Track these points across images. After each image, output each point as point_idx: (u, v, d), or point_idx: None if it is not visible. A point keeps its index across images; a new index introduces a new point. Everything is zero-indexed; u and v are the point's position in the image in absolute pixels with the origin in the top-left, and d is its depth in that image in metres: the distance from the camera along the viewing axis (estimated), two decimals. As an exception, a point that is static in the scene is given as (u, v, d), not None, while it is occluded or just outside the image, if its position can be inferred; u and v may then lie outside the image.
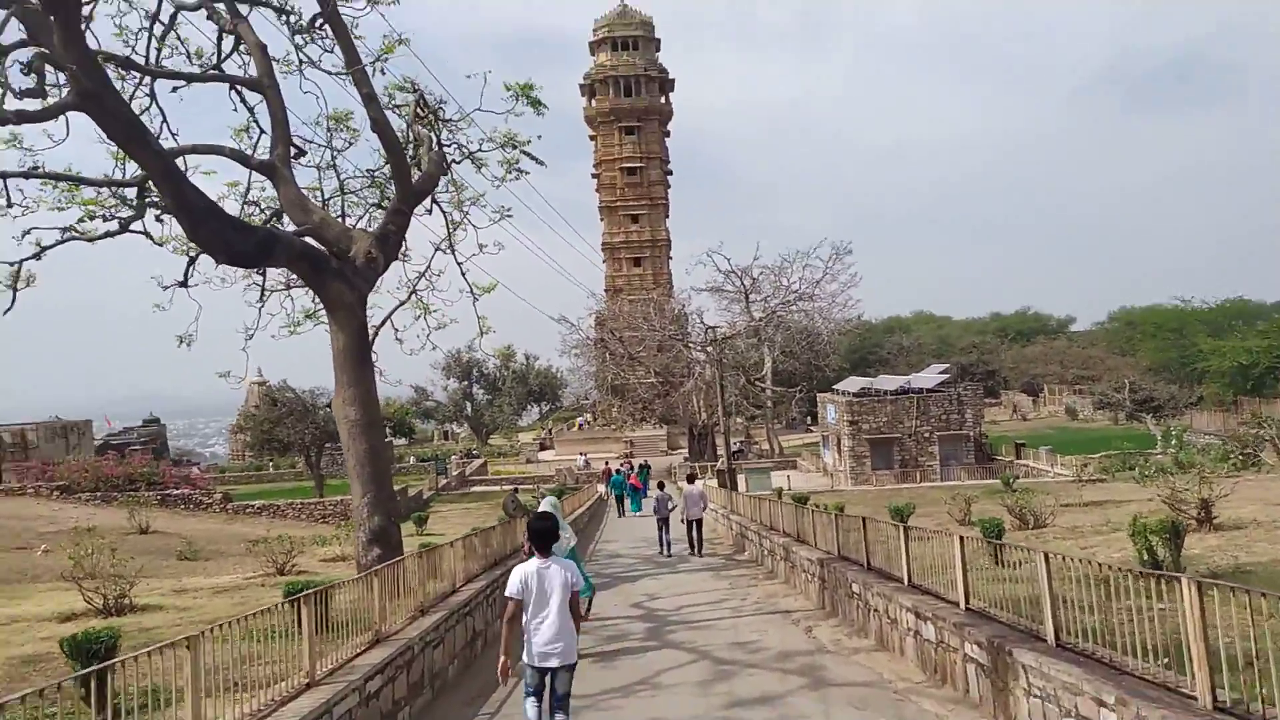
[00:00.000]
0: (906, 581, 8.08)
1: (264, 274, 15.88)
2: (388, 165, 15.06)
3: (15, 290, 14.32)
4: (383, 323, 33.62)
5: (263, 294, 16.07)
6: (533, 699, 5.55)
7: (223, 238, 10.64)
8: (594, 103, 77.53)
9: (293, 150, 13.91)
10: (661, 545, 18.42)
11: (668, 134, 79.87)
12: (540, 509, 8.90)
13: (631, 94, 76.41)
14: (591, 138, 79.59)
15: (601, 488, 38.61)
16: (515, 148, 16.87)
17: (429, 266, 28.78)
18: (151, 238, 15.11)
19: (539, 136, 16.95)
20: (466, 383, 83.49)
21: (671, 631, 10.11)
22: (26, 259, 14.15)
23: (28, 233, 14.45)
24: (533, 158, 17.36)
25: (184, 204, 10.26)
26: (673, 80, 78.88)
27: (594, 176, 79.51)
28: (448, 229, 19.27)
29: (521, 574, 5.58)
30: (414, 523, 25.29)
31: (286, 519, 27.65)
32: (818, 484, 35.46)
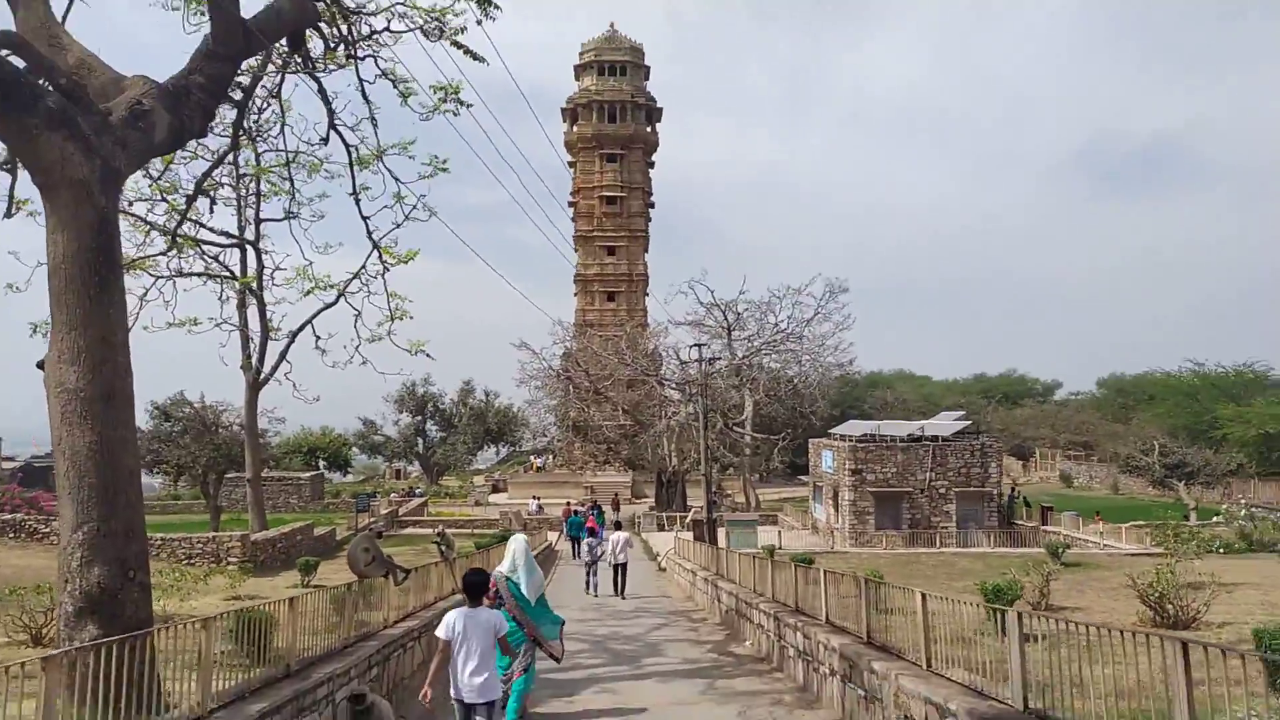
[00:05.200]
0: None
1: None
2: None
3: None
4: (302, 327, 28.15)
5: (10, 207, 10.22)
6: None
7: None
8: (575, 128, 72.94)
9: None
10: (588, 586, 20.29)
11: (651, 164, 75.31)
12: (510, 548, 8.30)
13: (616, 120, 71.95)
14: (570, 164, 74.88)
15: (553, 535, 32.83)
16: (440, 31, 11.58)
17: (364, 266, 23.24)
18: None
19: (478, 22, 11.71)
20: (420, 418, 77.39)
21: None
22: None
23: None
24: (469, 52, 12.12)
25: None
26: (660, 109, 74.58)
27: (570, 205, 74.65)
28: (351, 170, 13.93)
29: (451, 618, 6.21)
30: (300, 569, 19.62)
31: (144, 558, 21.61)
32: (810, 543, 29.90)
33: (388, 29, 10.99)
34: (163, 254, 16.98)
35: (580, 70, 73.90)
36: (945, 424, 32.19)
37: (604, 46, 72.91)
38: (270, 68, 10.82)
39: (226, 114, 11.69)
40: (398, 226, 19.10)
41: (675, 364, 52.46)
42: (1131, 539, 27.02)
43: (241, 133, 11.06)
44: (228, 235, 25.99)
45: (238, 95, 10.88)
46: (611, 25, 74.30)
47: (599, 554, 20.66)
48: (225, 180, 26.31)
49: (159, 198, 17.75)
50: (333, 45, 10.82)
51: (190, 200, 12.52)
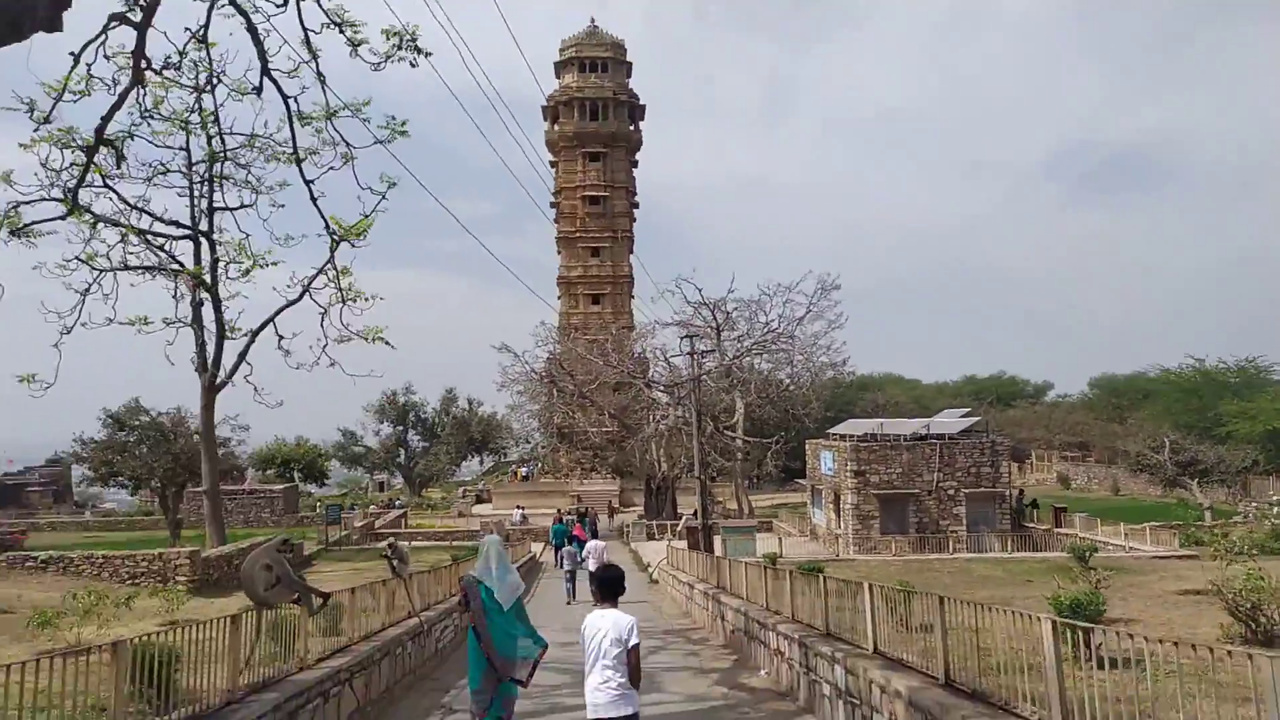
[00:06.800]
0: None
1: None
2: None
3: None
4: (263, 325, 26.15)
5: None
6: None
7: None
8: (557, 126, 71.10)
9: None
10: (568, 595, 20.40)
11: (635, 164, 73.52)
12: (482, 550, 7.01)
13: (598, 118, 70.13)
14: (552, 164, 72.99)
15: (536, 546, 30.82)
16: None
17: (331, 259, 21.21)
18: None
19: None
20: (401, 428, 75.11)
21: None
22: None
23: None
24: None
25: None
26: (643, 106, 72.81)
27: (553, 205, 72.75)
28: (291, 127, 12.04)
29: (583, 623, 5.54)
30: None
31: (81, 576, 19.69)
32: (812, 551, 28.03)
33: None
34: (60, 218, 14.91)
35: (561, 68, 72.11)
36: (951, 421, 30.42)
37: (585, 43, 71.15)
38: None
39: (127, 43, 9.75)
40: (366, 218, 17.25)
41: (663, 366, 50.62)
42: (1156, 540, 25.26)
43: (145, 64, 9.13)
44: (178, 225, 23.99)
45: (136, 16, 8.96)
46: (592, 21, 72.59)
47: (580, 562, 20.66)
48: (177, 167, 24.42)
49: (52, 156, 15.34)
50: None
51: (91, 151, 10.53)
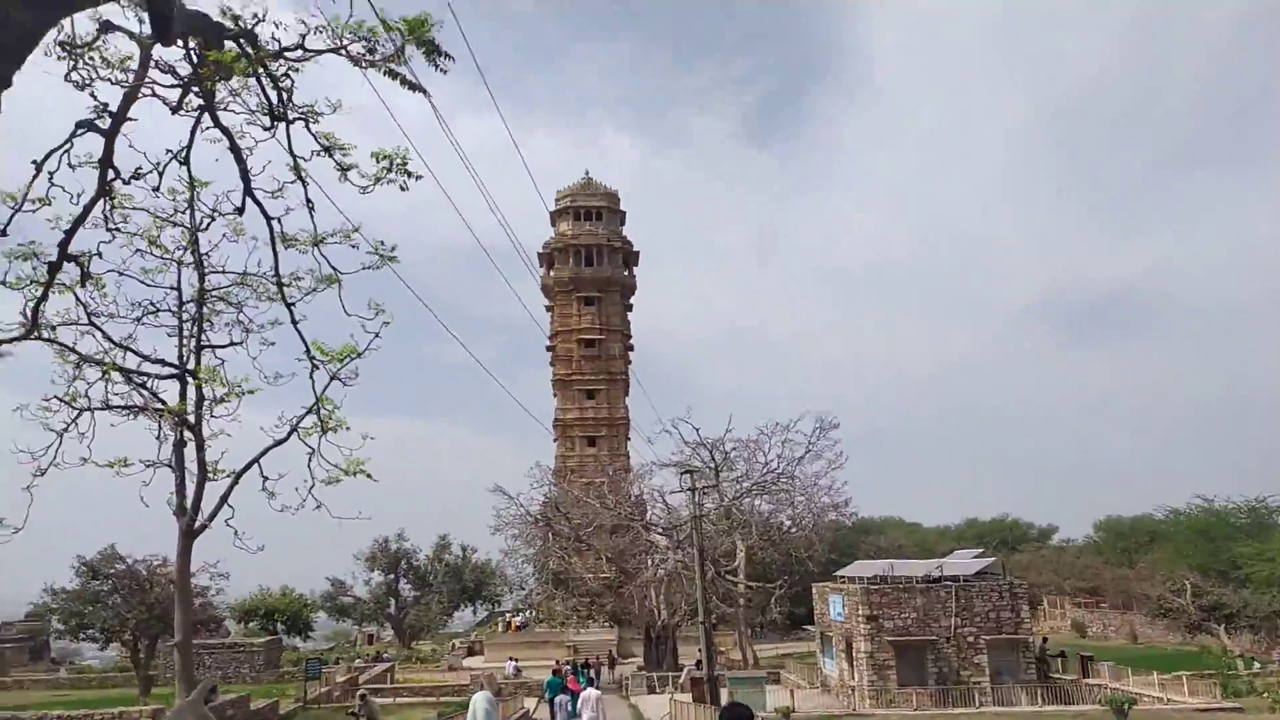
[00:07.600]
0: None
1: None
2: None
3: None
4: (248, 466, 25.22)
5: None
6: None
7: None
8: (553, 272, 72.37)
9: None
10: None
11: (630, 307, 74.49)
12: (472, 708, 7.32)
13: (593, 264, 71.56)
14: (548, 308, 73.86)
15: (530, 703, 28.78)
16: (371, 55, 9.37)
17: (320, 396, 20.57)
18: None
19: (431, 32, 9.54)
20: (392, 576, 72.53)
21: None
22: None
23: None
24: (406, 81, 9.89)
25: None
26: (637, 252, 74.41)
27: (549, 349, 73.14)
28: (273, 248, 11.66)
29: None
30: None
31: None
32: (825, 704, 26.09)
33: (301, 46, 8.80)
34: (18, 339, 14.13)
35: (556, 216, 74.04)
36: (965, 563, 29.02)
37: (579, 192, 73.39)
38: (149, 93, 8.65)
39: (93, 150, 9.37)
40: (358, 356, 16.77)
41: (661, 508, 49.28)
42: (1193, 691, 23.57)
43: (111, 173, 8.71)
44: (164, 364, 23.41)
45: (105, 123, 8.61)
46: (586, 173, 75.20)
47: (571, 713, 20.27)
48: (168, 306, 24.13)
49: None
50: (240, 62, 8.60)
51: (54, 268, 10.01)
